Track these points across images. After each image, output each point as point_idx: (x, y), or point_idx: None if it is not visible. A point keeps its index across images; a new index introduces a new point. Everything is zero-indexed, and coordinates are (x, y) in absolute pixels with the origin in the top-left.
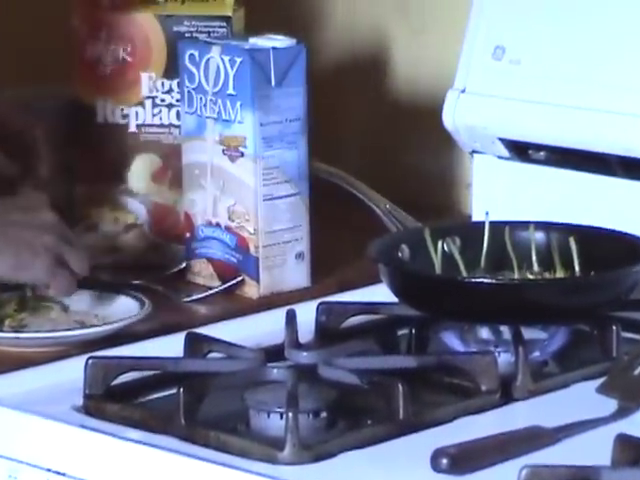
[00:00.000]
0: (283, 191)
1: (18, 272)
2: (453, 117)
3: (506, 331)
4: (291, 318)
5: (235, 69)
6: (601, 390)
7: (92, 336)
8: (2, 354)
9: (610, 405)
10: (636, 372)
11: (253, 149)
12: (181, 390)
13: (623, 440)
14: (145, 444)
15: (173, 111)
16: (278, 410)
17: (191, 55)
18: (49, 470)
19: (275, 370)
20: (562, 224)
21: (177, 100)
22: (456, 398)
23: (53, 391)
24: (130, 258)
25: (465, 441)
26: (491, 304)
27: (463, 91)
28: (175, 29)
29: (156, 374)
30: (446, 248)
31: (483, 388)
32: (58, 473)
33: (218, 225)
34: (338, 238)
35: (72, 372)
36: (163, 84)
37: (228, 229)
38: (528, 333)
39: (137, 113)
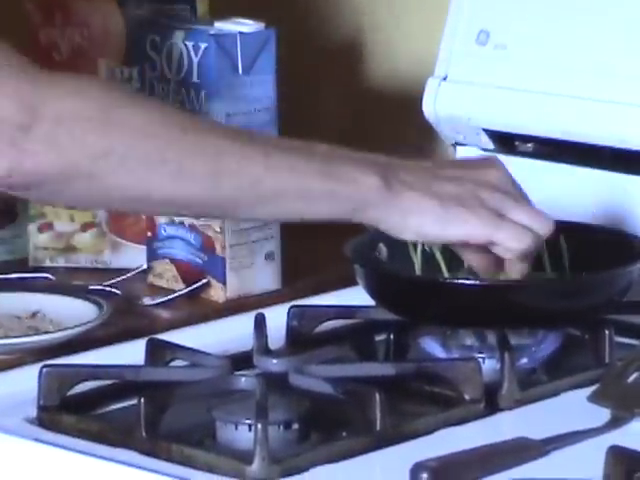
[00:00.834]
0: None
1: (446, 228)
2: (434, 107)
3: (491, 336)
4: (260, 323)
5: (199, 56)
6: (593, 399)
7: (46, 343)
8: None
9: (603, 415)
10: (630, 379)
11: None
12: (142, 401)
13: (616, 452)
14: (104, 458)
15: None
16: (246, 421)
17: (152, 41)
18: None
19: (243, 379)
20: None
21: (137, 89)
22: (437, 408)
23: (4, 402)
24: (87, 259)
25: (447, 454)
26: (475, 307)
27: (445, 79)
28: (135, 13)
29: (115, 383)
30: (427, 247)
31: (466, 397)
32: None
33: (182, 223)
34: (311, 237)
35: (25, 382)
36: (122, 72)
37: (192, 228)
38: (515, 338)
39: None
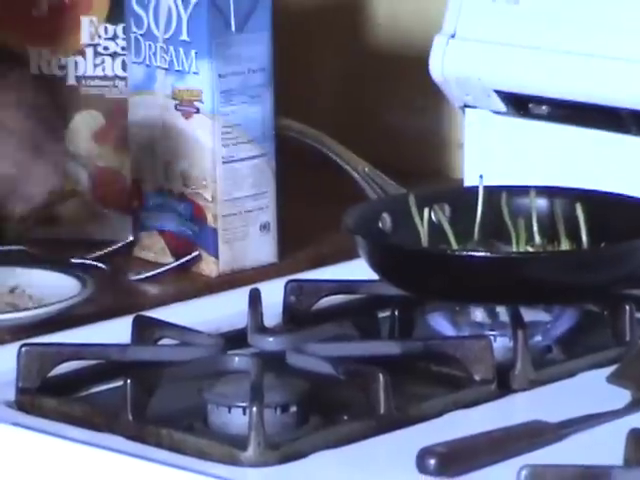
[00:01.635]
0: (245, 152)
1: None
2: (442, 66)
3: (503, 312)
4: (255, 299)
5: (189, 12)
6: (612, 379)
7: (26, 320)
8: None
9: (623, 396)
10: None
11: (210, 104)
12: (128, 382)
13: (637, 436)
14: (88, 444)
15: (118, 61)
16: (240, 404)
17: None
18: None
19: (237, 358)
20: (567, 189)
21: (122, 48)
22: (445, 389)
23: None
24: (69, 230)
25: (456, 439)
26: (486, 281)
27: (453, 36)
28: None
29: (100, 364)
30: (434, 217)
31: (477, 378)
32: None
33: (170, 192)
34: (309, 207)
35: (3, 362)
36: (106, 29)
37: (182, 197)
38: (529, 315)
39: (76, 63)
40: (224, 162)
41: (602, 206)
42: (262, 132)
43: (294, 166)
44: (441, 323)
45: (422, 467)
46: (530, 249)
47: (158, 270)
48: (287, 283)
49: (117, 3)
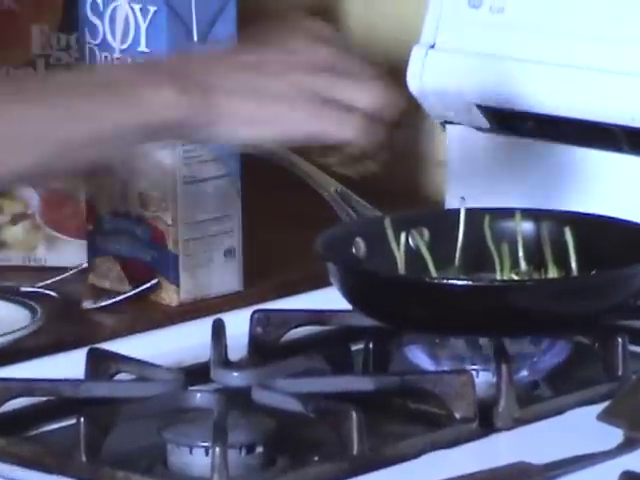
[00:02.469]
0: (209, 172)
1: (260, 128)
2: (420, 79)
3: (486, 345)
4: (219, 330)
5: (148, 20)
6: (604, 417)
7: None
8: None
9: (614, 436)
10: None
11: None
12: (82, 420)
13: (630, 478)
14: None
15: None
16: (203, 444)
17: (93, 3)
18: None
19: (199, 395)
20: (556, 212)
21: (76, 59)
22: (424, 428)
23: None
24: (18, 256)
25: None
26: (468, 311)
27: (432, 46)
28: None
29: (51, 400)
30: (412, 242)
31: (457, 416)
32: None
33: (128, 215)
34: (277, 231)
35: None
36: (59, 39)
37: (140, 220)
38: (514, 347)
39: None
40: (185, 182)
41: (593, 230)
42: (227, 150)
43: (261, 187)
44: (419, 356)
45: None
46: (515, 276)
47: (114, 299)
48: (253, 313)
49: (70, 11)
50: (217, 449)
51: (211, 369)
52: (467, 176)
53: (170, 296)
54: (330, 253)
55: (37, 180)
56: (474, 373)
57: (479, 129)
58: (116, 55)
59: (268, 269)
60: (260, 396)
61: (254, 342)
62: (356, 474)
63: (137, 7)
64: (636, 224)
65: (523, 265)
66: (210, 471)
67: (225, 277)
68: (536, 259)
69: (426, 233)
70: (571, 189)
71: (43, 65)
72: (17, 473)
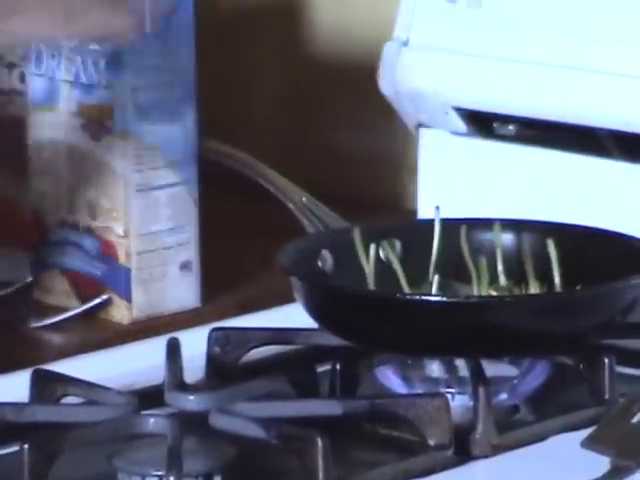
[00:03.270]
0: (164, 179)
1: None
2: (392, 79)
3: (463, 366)
4: (174, 350)
5: None
6: (589, 444)
7: None
8: None
9: (601, 464)
10: (635, 420)
11: (122, 123)
12: (26, 447)
13: None
14: None
15: (16, 73)
16: (156, 473)
17: None
18: None
19: (152, 420)
20: (538, 222)
21: (21, 58)
22: (395, 456)
23: None
24: None
25: None
26: (442, 330)
27: (405, 44)
28: None
29: None
30: (382, 255)
31: (431, 442)
32: None
33: (76, 226)
34: (238, 243)
35: None
36: None
37: (89, 231)
38: (492, 369)
39: None
40: (138, 190)
41: (578, 242)
42: (183, 155)
43: (220, 195)
44: (390, 378)
45: None
46: (494, 292)
47: (61, 316)
48: (211, 332)
49: None
50: (171, 478)
51: (165, 392)
52: (442, 184)
53: (121, 313)
54: (294, 267)
55: None
56: (449, 396)
57: (456, 133)
58: (65, 54)
59: (228, 284)
60: (218, 421)
61: (212, 363)
62: None
63: None
64: (624, 236)
65: (502, 280)
66: None
67: (181, 292)
68: (516, 273)
69: (398, 245)
70: (555, 198)
71: None
72: None
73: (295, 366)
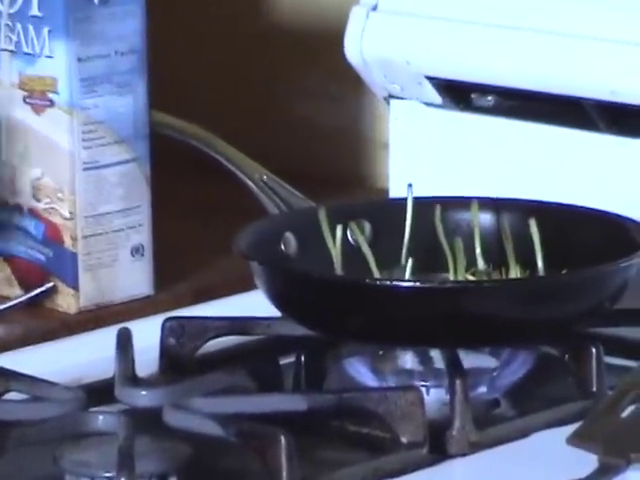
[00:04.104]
0: (113, 156)
1: None
2: (360, 46)
3: (438, 357)
4: (125, 341)
5: None
6: (575, 441)
7: None
8: None
9: (587, 461)
10: (624, 414)
11: (68, 96)
12: None
13: None
14: None
15: None
16: (106, 475)
17: None
18: None
19: (101, 417)
20: (518, 201)
21: None
22: (365, 454)
23: None
24: None
25: None
26: (416, 318)
27: (374, 8)
28: None
29: None
30: (350, 237)
31: (404, 440)
32: None
33: (18, 207)
34: (193, 225)
35: None
36: None
37: (33, 213)
38: (470, 360)
39: None
40: (85, 168)
41: (562, 222)
42: (133, 130)
43: (174, 173)
44: (360, 371)
45: None
46: (471, 277)
47: (3, 305)
48: (165, 321)
49: None
50: (123, 479)
51: (116, 387)
52: (415, 160)
53: (68, 302)
54: (255, 251)
55: None
56: (423, 390)
57: (430, 105)
58: (4, 21)
59: (183, 270)
60: (173, 418)
61: (166, 355)
62: None
63: None
64: (612, 215)
65: (481, 263)
66: None
67: (132, 279)
68: (496, 256)
69: (367, 226)
70: (538, 175)
71: None
72: None
73: (256, 358)
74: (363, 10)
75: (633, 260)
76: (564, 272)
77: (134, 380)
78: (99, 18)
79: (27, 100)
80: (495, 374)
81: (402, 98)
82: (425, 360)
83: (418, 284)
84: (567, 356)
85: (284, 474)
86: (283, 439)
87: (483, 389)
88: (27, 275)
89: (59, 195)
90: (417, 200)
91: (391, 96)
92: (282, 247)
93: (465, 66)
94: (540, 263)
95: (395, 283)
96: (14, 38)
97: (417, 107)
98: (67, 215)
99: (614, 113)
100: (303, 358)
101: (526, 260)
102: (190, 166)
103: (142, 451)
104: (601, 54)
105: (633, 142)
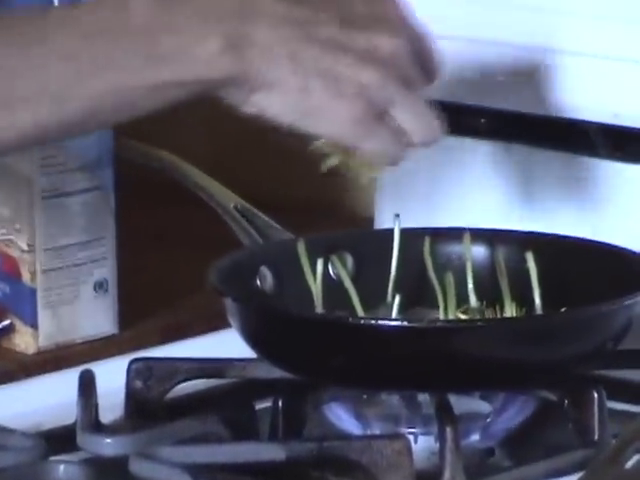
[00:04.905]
0: (74, 184)
1: (302, 117)
2: None
3: (427, 402)
4: (87, 384)
5: None
6: None
7: None
8: None
9: None
10: (629, 464)
11: None
12: None
13: None
14: None
15: None
16: None
17: None
18: None
19: (62, 466)
20: (514, 232)
21: None
22: None
23: None
24: None
25: None
26: (403, 360)
27: None
28: None
29: None
30: (332, 272)
31: None
32: None
33: None
34: (162, 258)
35: None
36: None
37: None
38: (462, 405)
39: None
40: (45, 197)
41: (561, 256)
42: (97, 156)
43: (140, 203)
44: (342, 417)
45: None
46: (463, 315)
47: None
48: (131, 363)
49: None
50: None
51: (78, 434)
52: (403, 188)
53: (26, 341)
54: (228, 286)
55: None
56: (411, 438)
57: None
58: None
59: (150, 306)
60: (140, 468)
61: (132, 399)
62: None
63: None
64: (616, 248)
65: (473, 301)
66: None
67: (96, 317)
68: (490, 293)
69: (350, 260)
70: (535, 204)
71: None
72: None
73: (230, 403)
74: None
75: (638, 297)
76: (563, 310)
77: (97, 427)
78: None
79: None
80: (489, 420)
81: None
82: (413, 405)
83: (405, 323)
84: (567, 401)
85: None
86: None
87: (476, 437)
88: None
89: (16, 226)
90: (405, 231)
91: None
92: (258, 282)
93: (454, 86)
94: (537, 300)
95: (380, 322)
96: None
97: None
98: (25, 247)
99: (617, 137)
100: (281, 403)
101: (522, 297)
102: (158, 195)
103: None
104: (603, 73)
105: (637, 169)
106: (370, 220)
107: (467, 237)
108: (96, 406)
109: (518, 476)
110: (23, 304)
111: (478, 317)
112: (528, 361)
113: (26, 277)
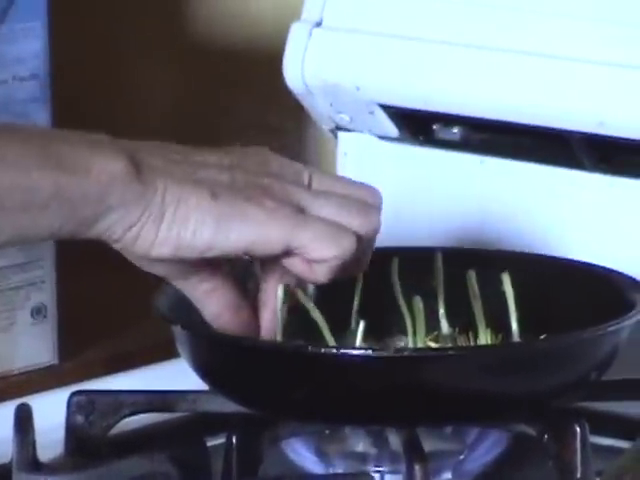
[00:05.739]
0: None
1: (224, 231)
2: (301, 69)
3: (395, 438)
4: (24, 420)
5: None
6: None
7: None
8: None
9: None
10: None
11: None
12: None
13: None
14: None
15: None
16: None
17: None
18: None
19: None
20: (489, 252)
21: None
22: None
23: None
24: None
25: None
26: (368, 392)
27: (318, 24)
28: None
29: None
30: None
31: None
32: None
33: None
34: (105, 281)
35: None
36: None
37: None
38: (431, 441)
39: None
40: None
41: (540, 277)
42: None
43: None
44: (302, 454)
45: None
46: (433, 343)
47: None
48: (72, 396)
49: None
50: None
51: (14, 474)
52: None
53: None
54: (177, 313)
55: None
56: (377, 477)
57: (384, 138)
58: None
59: (93, 334)
60: None
61: (73, 436)
62: None
63: None
64: (599, 268)
65: (445, 327)
66: None
67: (33, 345)
68: (463, 318)
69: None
70: (512, 220)
71: None
72: None
73: (180, 439)
74: (305, 27)
75: (624, 323)
76: (543, 337)
77: (35, 465)
78: None
79: None
80: (462, 458)
81: (352, 130)
82: (379, 441)
83: (370, 352)
84: (547, 436)
85: None
86: None
87: (447, 475)
88: None
89: None
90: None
91: (339, 128)
92: None
93: (426, 92)
94: (515, 326)
95: (343, 351)
96: None
97: (369, 141)
98: None
99: (602, 148)
100: (235, 439)
101: (498, 322)
102: None
103: None
104: (587, 78)
105: (624, 182)
106: None
107: (438, 257)
108: (34, 443)
109: None
110: None
111: (450, 345)
112: (504, 393)
113: None
